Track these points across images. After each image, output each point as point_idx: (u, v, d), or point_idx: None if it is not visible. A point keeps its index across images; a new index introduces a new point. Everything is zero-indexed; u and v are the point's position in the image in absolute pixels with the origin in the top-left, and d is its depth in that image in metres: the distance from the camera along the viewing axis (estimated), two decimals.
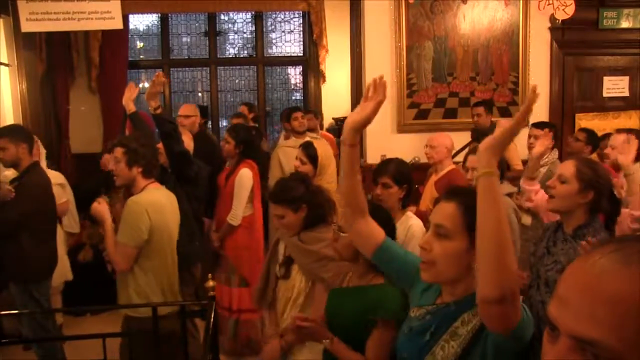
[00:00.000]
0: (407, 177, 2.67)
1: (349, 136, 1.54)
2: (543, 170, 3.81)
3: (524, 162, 4.33)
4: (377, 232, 1.65)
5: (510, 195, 2.93)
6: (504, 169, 3.06)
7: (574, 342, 0.66)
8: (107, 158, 4.03)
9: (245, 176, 3.80)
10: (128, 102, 3.62)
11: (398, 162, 2.74)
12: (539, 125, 3.98)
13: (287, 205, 2.30)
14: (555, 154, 3.89)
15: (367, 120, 1.52)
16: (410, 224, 2.59)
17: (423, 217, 3.51)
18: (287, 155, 4.38)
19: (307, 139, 3.98)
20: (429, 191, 3.71)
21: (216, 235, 3.91)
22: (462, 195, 1.41)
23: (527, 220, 3.71)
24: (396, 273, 1.64)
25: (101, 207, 2.74)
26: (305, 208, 2.30)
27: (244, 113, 5.50)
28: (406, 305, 1.66)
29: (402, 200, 2.67)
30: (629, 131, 3.58)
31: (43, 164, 4.17)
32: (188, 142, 3.65)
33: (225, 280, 3.84)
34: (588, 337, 0.64)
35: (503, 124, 1.28)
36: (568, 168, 2.17)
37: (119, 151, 2.74)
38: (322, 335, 1.89)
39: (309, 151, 3.01)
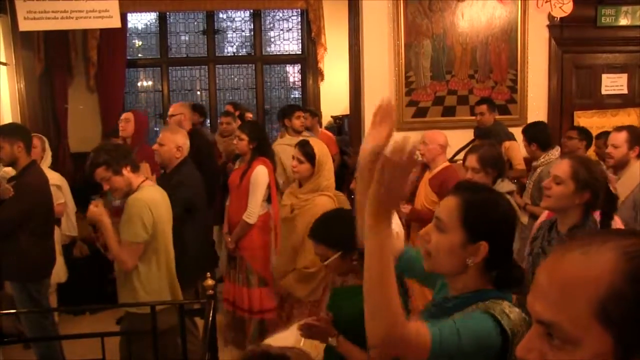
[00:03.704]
0: None
1: (371, 214, 1.17)
2: (538, 171, 3.79)
3: (526, 160, 4.34)
4: (396, 247, 1.64)
5: (510, 193, 2.93)
6: (505, 168, 3.08)
7: (541, 327, 0.71)
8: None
9: (261, 173, 3.75)
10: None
11: None
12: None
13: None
14: (553, 154, 3.81)
15: (382, 147, 1.35)
16: None
17: (419, 215, 3.53)
18: (286, 153, 4.37)
19: (301, 138, 3.96)
20: (423, 189, 3.71)
21: (229, 238, 3.84)
22: (466, 191, 1.41)
23: (524, 219, 3.72)
24: (420, 276, 1.66)
25: (98, 209, 2.70)
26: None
27: (231, 112, 5.50)
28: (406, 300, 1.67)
29: None
30: (626, 128, 3.54)
31: (48, 163, 4.17)
32: (182, 142, 3.52)
33: (244, 281, 3.78)
34: (545, 319, 0.70)
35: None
36: (563, 169, 2.16)
37: (101, 171, 2.70)
38: (329, 334, 1.90)
39: (307, 149, 2.99)
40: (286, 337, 2.23)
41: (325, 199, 2.96)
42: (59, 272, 4.09)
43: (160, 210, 2.78)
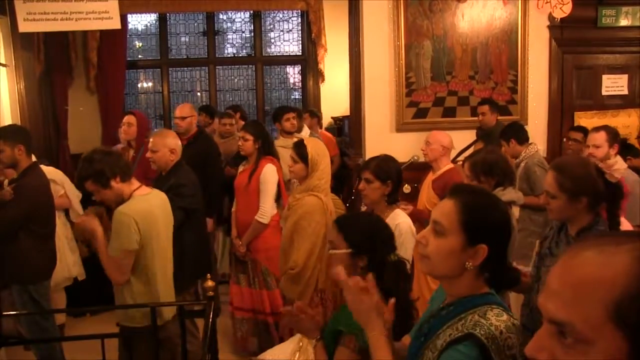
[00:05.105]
0: (389, 173, 2.65)
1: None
2: (522, 165, 3.82)
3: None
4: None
5: (509, 203, 2.84)
6: (509, 175, 2.97)
7: (552, 327, 0.70)
8: None
9: (270, 171, 3.73)
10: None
11: (382, 158, 2.75)
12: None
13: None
14: (533, 148, 3.88)
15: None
16: (397, 222, 2.58)
17: (420, 215, 3.52)
18: (280, 156, 4.36)
19: (295, 139, 3.91)
20: (426, 190, 3.70)
21: (239, 241, 3.76)
22: (463, 193, 1.39)
23: (515, 212, 3.71)
24: None
25: (88, 219, 2.60)
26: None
27: (232, 114, 5.48)
28: None
29: (389, 196, 2.68)
30: (602, 128, 3.59)
31: None
32: (175, 144, 3.46)
33: (262, 284, 3.73)
34: (558, 318, 0.69)
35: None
36: (550, 183, 2.11)
37: (90, 185, 2.58)
38: (311, 331, 1.89)
39: (301, 150, 2.98)
40: (282, 350, 2.23)
41: (312, 199, 2.91)
42: (68, 267, 4.05)
43: (151, 223, 2.63)
